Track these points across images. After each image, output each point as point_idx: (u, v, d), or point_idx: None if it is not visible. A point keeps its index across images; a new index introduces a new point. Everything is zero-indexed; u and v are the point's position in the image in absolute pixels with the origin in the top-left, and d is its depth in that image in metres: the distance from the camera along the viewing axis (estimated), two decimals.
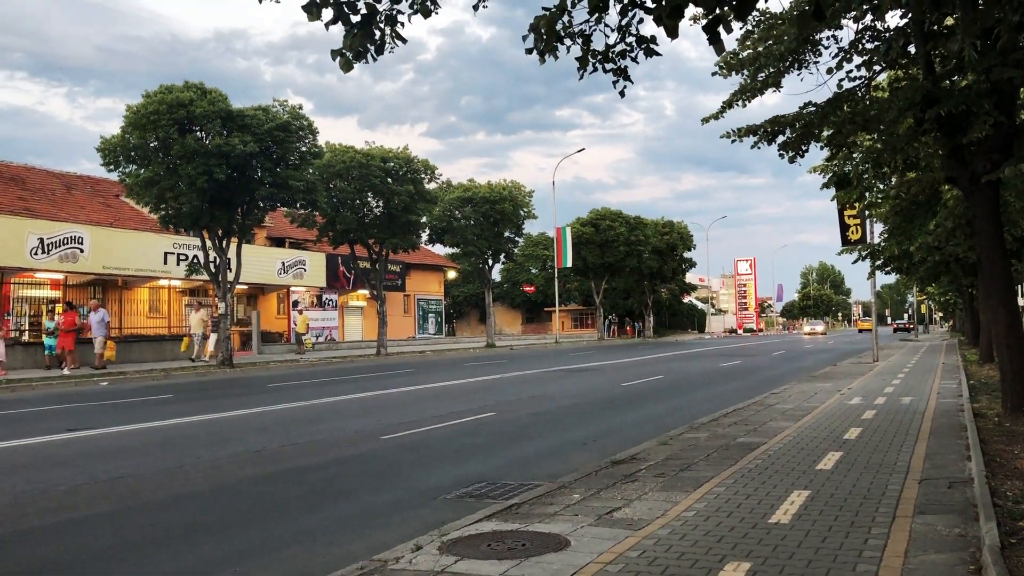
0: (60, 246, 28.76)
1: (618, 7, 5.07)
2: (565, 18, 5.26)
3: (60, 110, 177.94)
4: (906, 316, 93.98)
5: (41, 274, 29.07)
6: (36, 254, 27.94)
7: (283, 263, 39.47)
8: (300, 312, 37.21)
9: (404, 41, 4.91)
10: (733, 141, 12.47)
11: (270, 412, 14.04)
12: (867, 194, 15.56)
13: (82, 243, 29.50)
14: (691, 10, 5.07)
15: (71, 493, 7.55)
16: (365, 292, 43.43)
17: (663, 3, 4.38)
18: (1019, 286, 25.62)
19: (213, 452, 9.74)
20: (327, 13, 4.67)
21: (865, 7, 10.83)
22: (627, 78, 5.85)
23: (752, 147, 12.38)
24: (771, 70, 12.43)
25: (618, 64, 5.71)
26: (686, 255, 71.17)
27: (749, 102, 12.83)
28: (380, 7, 4.79)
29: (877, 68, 12.40)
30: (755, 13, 12.18)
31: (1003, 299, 10.83)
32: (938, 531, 5.32)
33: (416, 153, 34.85)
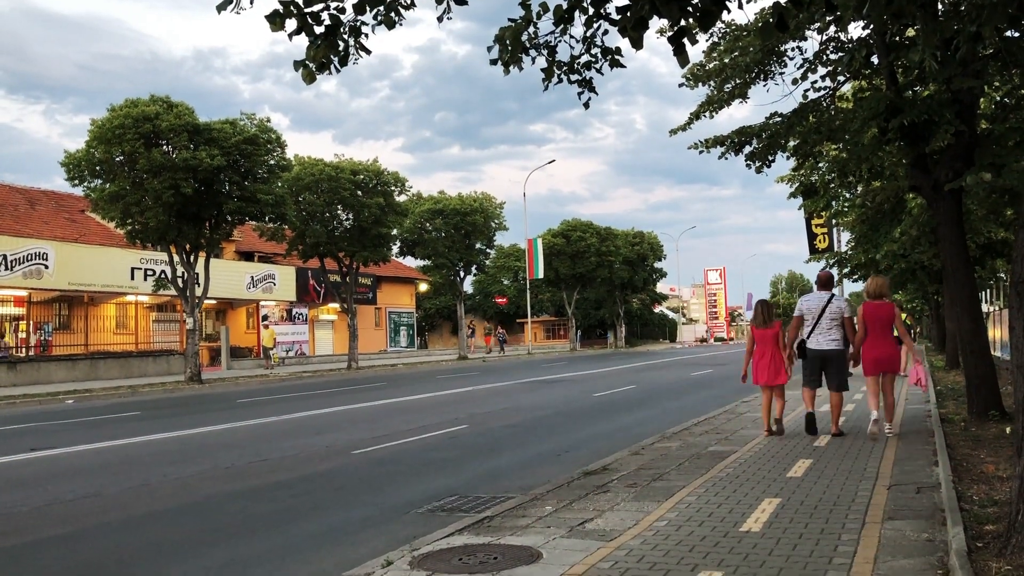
0: (24, 262, 28.28)
1: (583, 19, 5.09)
2: (531, 29, 5.27)
3: (38, 127, 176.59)
4: None
5: (4, 291, 28.56)
6: None
7: (252, 277, 39.12)
8: (267, 327, 36.89)
9: (368, 52, 4.89)
10: (701, 152, 12.56)
11: (239, 428, 13.88)
12: (833, 203, 15.74)
13: (47, 259, 29.04)
14: (656, 22, 5.09)
15: (34, 514, 7.39)
16: (336, 306, 43.18)
17: (628, 15, 4.39)
18: (982, 293, 26.01)
19: (181, 470, 9.59)
20: (291, 23, 4.63)
21: (828, 18, 10.98)
22: (592, 89, 5.86)
23: (720, 157, 12.48)
24: (737, 81, 12.56)
25: (583, 75, 5.72)
26: (657, 265, 71.42)
27: (716, 113, 12.95)
28: (344, 18, 4.76)
29: (841, 79, 12.58)
30: (721, 25, 12.31)
31: (967, 306, 10.99)
32: (907, 536, 5.36)
33: (390, 167, 34.70)
